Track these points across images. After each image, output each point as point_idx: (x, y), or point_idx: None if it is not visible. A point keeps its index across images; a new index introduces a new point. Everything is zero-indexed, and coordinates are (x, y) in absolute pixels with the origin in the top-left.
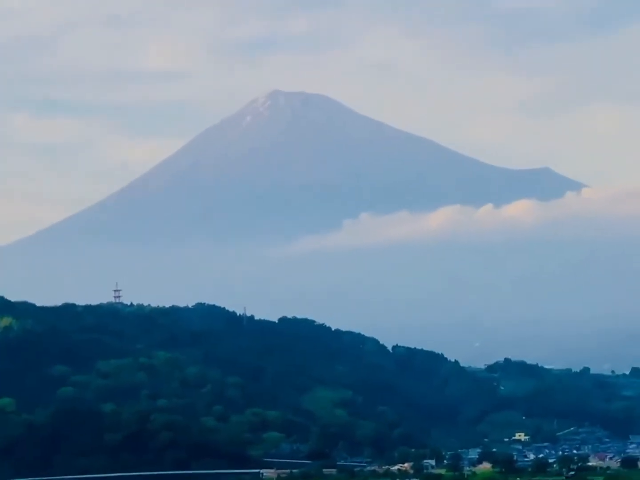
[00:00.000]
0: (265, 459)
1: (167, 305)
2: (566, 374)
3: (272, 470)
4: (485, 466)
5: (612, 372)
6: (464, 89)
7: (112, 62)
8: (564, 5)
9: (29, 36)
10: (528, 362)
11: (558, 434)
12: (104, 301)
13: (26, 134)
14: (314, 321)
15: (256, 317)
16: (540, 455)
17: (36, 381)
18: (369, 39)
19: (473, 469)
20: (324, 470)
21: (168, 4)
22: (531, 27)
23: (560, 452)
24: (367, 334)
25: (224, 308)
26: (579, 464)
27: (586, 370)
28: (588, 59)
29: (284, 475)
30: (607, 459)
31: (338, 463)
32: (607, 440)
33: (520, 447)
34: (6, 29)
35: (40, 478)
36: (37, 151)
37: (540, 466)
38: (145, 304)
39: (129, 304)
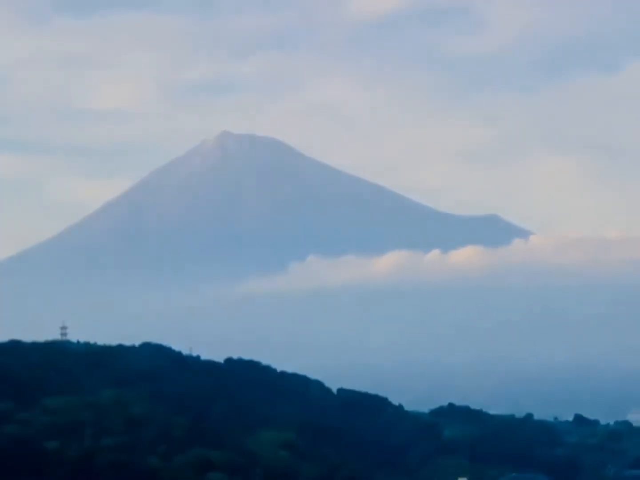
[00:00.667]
0: None
1: (113, 344)
2: (510, 420)
3: None
4: None
5: (555, 418)
6: (412, 134)
7: (62, 101)
8: (512, 54)
9: None
10: (472, 407)
11: (500, 479)
12: (51, 338)
13: None
14: (259, 362)
15: (202, 358)
16: None
17: None
18: (319, 83)
19: None
20: None
21: (119, 45)
22: (480, 74)
23: None
24: (313, 377)
25: (170, 348)
26: None
27: (529, 416)
28: (535, 108)
29: None
30: None
31: None
32: None
33: None
34: None
35: None
36: None
37: None
38: (92, 342)
39: (75, 341)
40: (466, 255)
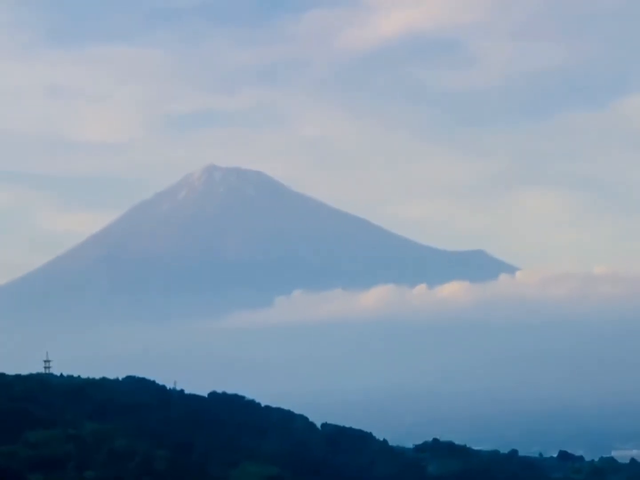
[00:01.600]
0: None
1: (97, 377)
2: (494, 456)
3: None
4: None
5: (540, 454)
6: (399, 169)
7: (49, 132)
8: (498, 90)
9: None
10: (456, 442)
11: None
12: (34, 371)
13: None
14: (243, 397)
15: (186, 391)
16: None
17: None
18: (307, 117)
19: None
20: None
21: (107, 78)
22: (466, 110)
23: None
24: (297, 411)
25: (154, 381)
26: None
27: (514, 452)
28: (522, 144)
29: None
30: None
31: None
32: None
33: None
34: None
35: None
36: None
37: None
38: (76, 375)
39: (59, 374)
40: (452, 290)
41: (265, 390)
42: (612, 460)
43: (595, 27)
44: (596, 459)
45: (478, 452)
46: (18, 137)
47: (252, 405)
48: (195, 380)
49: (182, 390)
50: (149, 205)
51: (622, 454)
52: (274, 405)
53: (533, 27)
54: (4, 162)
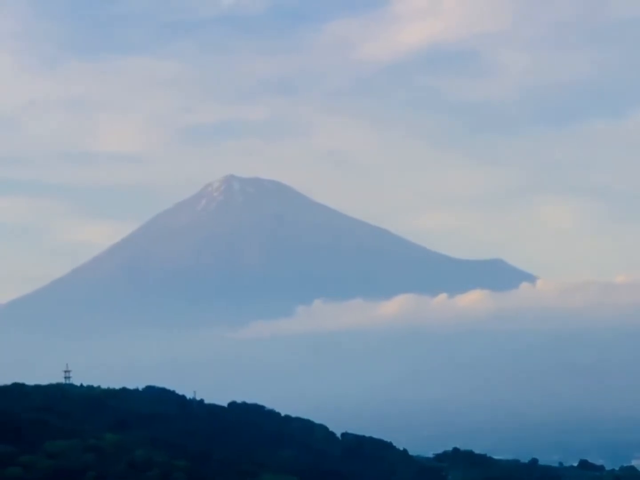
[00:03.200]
0: None
1: (117, 387)
2: (514, 465)
3: None
4: None
5: (560, 463)
6: (418, 178)
7: (71, 143)
8: (517, 100)
9: None
10: (476, 451)
11: None
12: (54, 382)
13: None
14: (263, 406)
15: (206, 401)
16: None
17: None
18: (324, 128)
19: None
20: None
21: (127, 89)
22: (484, 120)
23: None
24: (317, 420)
25: (173, 391)
26: None
27: (534, 461)
28: (540, 153)
29: None
30: None
31: None
32: None
33: None
34: None
35: None
36: None
37: None
38: (96, 385)
39: (79, 384)
40: (472, 300)
41: (286, 398)
42: (632, 469)
43: (614, 37)
44: (617, 468)
45: (498, 462)
46: (41, 149)
47: (271, 414)
48: (216, 389)
49: (201, 400)
50: (169, 215)
51: None
52: (294, 412)
53: (550, 38)
54: (27, 173)
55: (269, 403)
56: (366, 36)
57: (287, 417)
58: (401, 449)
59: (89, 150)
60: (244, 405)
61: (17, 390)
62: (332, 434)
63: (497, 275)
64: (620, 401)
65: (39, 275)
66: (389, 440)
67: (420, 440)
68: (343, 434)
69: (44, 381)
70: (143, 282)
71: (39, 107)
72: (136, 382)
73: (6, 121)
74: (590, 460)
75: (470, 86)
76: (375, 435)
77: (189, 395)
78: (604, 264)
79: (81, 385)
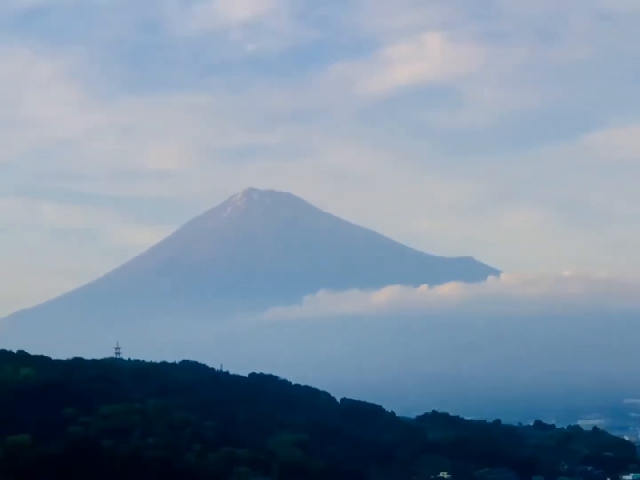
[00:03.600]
0: None
1: (158, 361)
2: (481, 424)
3: None
4: None
5: (519, 423)
6: (405, 191)
7: (122, 162)
8: (487, 127)
9: (57, 139)
10: (451, 414)
11: (475, 473)
12: (107, 356)
13: (50, 219)
14: (277, 377)
15: (231, 373)
16: None
17: (50, 421)
18: (329, 150)
19: None
20: None
21: (168, 118)
22: (460, 144)
23: None
24: (321, 388)
25: (204, 365)
26: None
27: (498, 421)
28: (504, 170)
29: None
30: None
31: None
32: (514, 478)
33: None
34: (39, 133)
35: None
36: (58, 233)
37: None
38: (141, 359)
39: (127, 359)
40: (448, 290)
41: (296, 369)
42: (578, 427)
43: (565, 75)
44: (565, 427)
45: (469, 422)
46: (97, 167)
47: (284, 383)
48: (239, 362)
49: (227, 372)
50: (200, 221)
51: (586, 423)
52: (302, 382)
53: (514, 76)
54: (85, 186)
55: (281, 374)
56: (363, 75)
57: (297, 385)
58: (390, 411)
59: (136, 168)
60: (262, 375)
61: (78, 363)
62: (333, 399)
63: (468, 270)
64: (569, 372)
65: (95, 270)
66: (379, 405)
67: (405, 405)
68: (342, 399)
69: (99, 356)
70: (179, 275)
71: (97, 133)
72: (174, 357)
73: (71, 144)
74: (543, 420)
75: (449, 116)
76: (369, 401)
77: (217, 368)
78: (555, 260)
79: (129, 359)
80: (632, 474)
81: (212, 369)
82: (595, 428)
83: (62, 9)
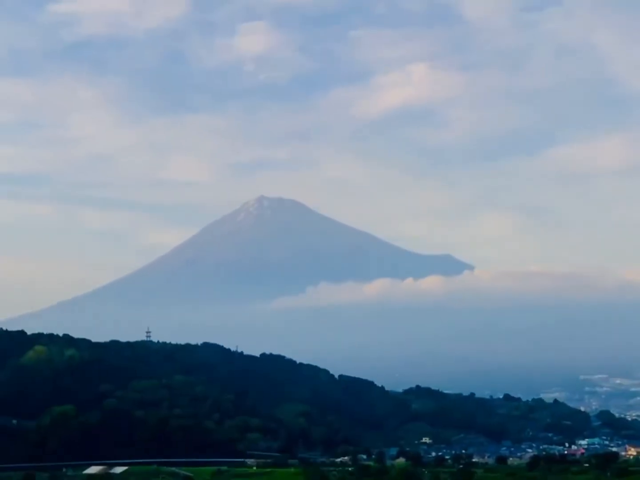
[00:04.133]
0: (249, 452)
1: (182, 343)
2: (458, 397)
3: (253, 460)
4: (401, 460)
5: (490, 396)
6: (394, 198)
7: (151, 174)
8: (463, 143)
9: (96, 154)
10: (432, 388)
11: (452, 438)
12: (139, 339)
13: (90, 222)
14: (284, 356)
15: (244, 353)
16: (440, 454)
17: (90, 394)
18: (329, 163)
19: (392, 462)
20: (289, 460)
21: (191, 136)
22: (441, 157)
23: (454, 452)
24: (321, 367)
25: (222, 346)
26: (467, 460)
27: (472, 394)
28: (479, 180)
29: (261, 463)
30: (486, 457)
31: (299, 456)
32: (486, 444)
33: (425, 447)
34: (80, 149)
35: (85, 462)
36: (96, 234)
37: (439, 461)
38: (168, 342)
39: (156, 341)
40: (430, 283)
41: (300, 350)
42: (541, 400)
43: (532, 100)
44: (530, 400)
45: (447, 395)
46: (129, 177)
47: (290, 362)
48: (251, 344)
49: (241, 352)
50: (218, 224)
51: (548, 396)
52: (305, 361)
53: (486, 100)
54: (119, 194)
55: (288, 354)
56: (359, 99)
57: (301, 364)
58: (380, 386)
59: (163, 178)
60: (271, 355)
61: (114, 345)
62: (332, 376)
63: (447, 265)
64: (533, 353)
65: (128, 266)
66: (372, 380)
67: (393, 380)
68: (340, 376)
69: (131, 339)
70: (199, 271)
71: (130, 149)
72: (196, 339)
73: (108, 159)
74: (511, 394)
75: (431, 134)
76: (362, 377)
77: (232, 349)
78: (522, 257)
79: (157, 341)
80: (586, 439)
81: (229, 349)
82: (555, 400)
83: (102, 42)
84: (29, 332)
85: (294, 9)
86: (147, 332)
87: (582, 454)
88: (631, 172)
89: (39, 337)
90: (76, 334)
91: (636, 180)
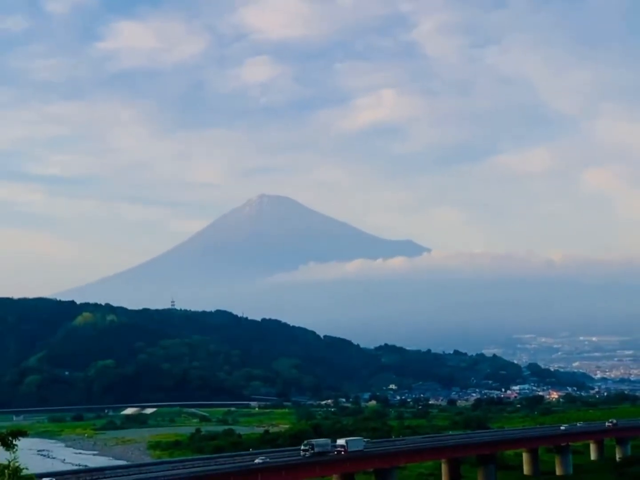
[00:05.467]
0: (252, 396)
1: (200, 310)
2: (418, 352)
3: (255, 403)
4: (373, 402)
5: (443, 352)
6: (368, 195)
7: (176, 177)
8: (425, 152)
9: (133, 162)
10: (397, 345)
11: (413, 385)
12: (166, 307)
13: (126, 215)
14: (280, 320)
15: (249, 318)
16: (403, 397)
17: (126, 350)
18: (317, 169)
19: (366, 404)
20: (284, 403)
21: (207, 147)
22: (407, 163)
23: (414, 396)
24: (309, 328)
25: (231, 312)
26: (424, 403)
27: (429, 350)
28: (436, 181)
29: (262, 405)
30: (440, 400)
31: (292, 399)
32: (439, 389)
33: (392, 392)
34: (120, 157)
35: (124, 405)
36: (131, 225)
37: (403, 403)
38: (189, 309)
39: (179, 309)
40: (396, 262)
41: (292, 315)
42: (482, 355)
43: (478, 118)
44: (474, 354)
45: (409, 351)
46: (158, 181)
47: (285, 325)
48: (254, 310)
49: (246, 317)
50: (227, 217)
51: (488, 352)
52: (297, 324)
53: (443, 118)
54: (150, 194)
55: (283, 318)
56: (341, 118)
57: (293, 327)
58: (356, 344)
59: (185, 180)
60: (270, 320)
61: (145, 312)
62: (318, 336)
63: (410, 248)
64: (476, 317)
65: (156, 250)
66: (349, 340)
67: (366, 338)
68: (324, 336)
69: (160, 307)
70: (212, 253)
71: (160, 157)
72: (210, 307)
73: (142, 165)
74: (459, 350)
75: (400, 145)
76: (342, 337)
77: (239, 314)
78: (468, 242)
79: (180, 309)
80: (518, 386)
81: (237, 315)
82: (494, 355)
83: (138, 72)
84: (77, 302)
85: (290, 46)
86: (172, 302)
87: (515, 397)
88: (553, 175)
89: (85, 306)
90: (115, 303)
91: (557, 181)
